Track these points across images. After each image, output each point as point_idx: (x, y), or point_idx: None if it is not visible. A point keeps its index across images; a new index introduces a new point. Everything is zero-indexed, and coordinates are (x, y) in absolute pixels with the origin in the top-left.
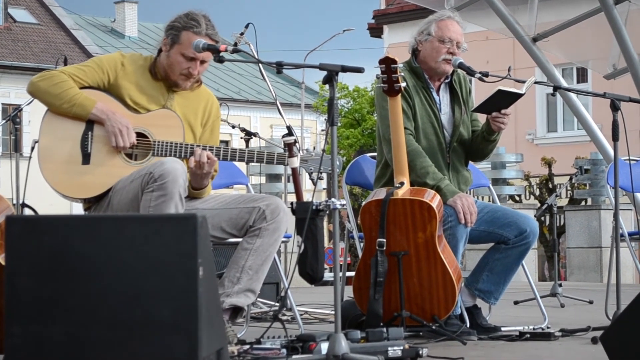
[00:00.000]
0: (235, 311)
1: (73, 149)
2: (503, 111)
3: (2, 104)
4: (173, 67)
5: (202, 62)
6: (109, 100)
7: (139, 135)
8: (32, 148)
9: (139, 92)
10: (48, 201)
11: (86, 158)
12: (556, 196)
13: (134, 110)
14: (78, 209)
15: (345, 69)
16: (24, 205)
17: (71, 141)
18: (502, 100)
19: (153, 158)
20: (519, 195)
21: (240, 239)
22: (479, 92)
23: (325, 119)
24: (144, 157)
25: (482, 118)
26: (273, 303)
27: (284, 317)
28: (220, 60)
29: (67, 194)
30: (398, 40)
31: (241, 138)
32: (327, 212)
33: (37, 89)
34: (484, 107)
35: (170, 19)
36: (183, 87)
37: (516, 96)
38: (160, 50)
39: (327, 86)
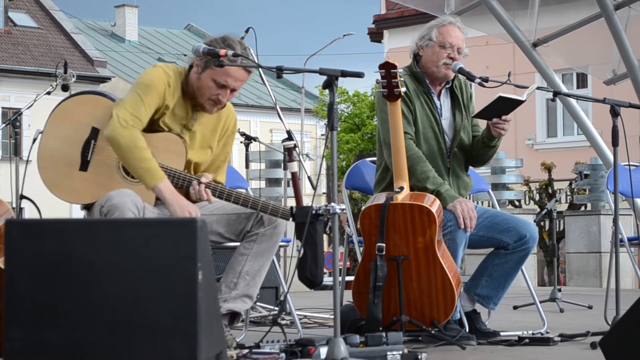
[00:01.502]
0: (233, 316)
1: (73, 153)
2: (503, 117)
3: (2, 107)
4: (202, 90)
5: (232, 90)
6: None
7: None
8: (35, 139)
9: (170, 112)
10: (47, 205)
11: (84, 165)
12: (556, 201)
13: (148, 128)
14: (77, 213)
15: (345, 74)
16: (22, 197)
17: (73, 145)
18: (502, 107)
19: None
20: (519, 200)
21: (237, 244)
22: (479, 98)
23: (325, 124)
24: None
25: (482, 123)
26: (272, 307)
27: (283, 322)
28: (220, 65)
29: (58, 195)
30: (398, 45)
31: (241, 142)
32: (327, 216)
33: (118, 145)
34: (484, 114)
35: (206, 41)
36: (209, 112)
37: (517, 103)
38: (191, 67)
39: (327, 91)
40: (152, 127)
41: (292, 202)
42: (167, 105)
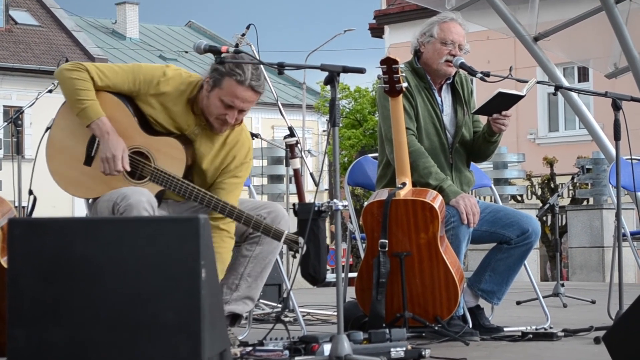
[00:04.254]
0: (234, 318)
1: (79, 148)
2: (504, 112)
3: (4, 106)
4: (210, 109)
5: (241, 110)
6: (125, 114)
7: (143, 155)
8: (48, 128)
9: (165, 116)
10: (50, 203)
11: (88, 160)
12: (558, 196)
13: (145, 129)
14: (80, 212)
15: (346, 70)
16: (30, 192)
17: (80, 140)
18: (502, 102)
19: (150, 183)
20: (521, 195)
21: (239, 245)
22: (480, 92)
23: (326, 120)
24: (143, 178)
25: (482, 119)
26: (275, 304)
27: (287, 319)
28: (221, 61)
29: (62, 186)
30: (399, 41)
31: None
32: (329, 213)
33: (61, 77)
34: (484, 109)
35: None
36: (218, 131)
37: (517, 98)
38: (202, 84)
39: (328, 87)
40: (149, 125)
41: (294, 199)
42: (148, 100)
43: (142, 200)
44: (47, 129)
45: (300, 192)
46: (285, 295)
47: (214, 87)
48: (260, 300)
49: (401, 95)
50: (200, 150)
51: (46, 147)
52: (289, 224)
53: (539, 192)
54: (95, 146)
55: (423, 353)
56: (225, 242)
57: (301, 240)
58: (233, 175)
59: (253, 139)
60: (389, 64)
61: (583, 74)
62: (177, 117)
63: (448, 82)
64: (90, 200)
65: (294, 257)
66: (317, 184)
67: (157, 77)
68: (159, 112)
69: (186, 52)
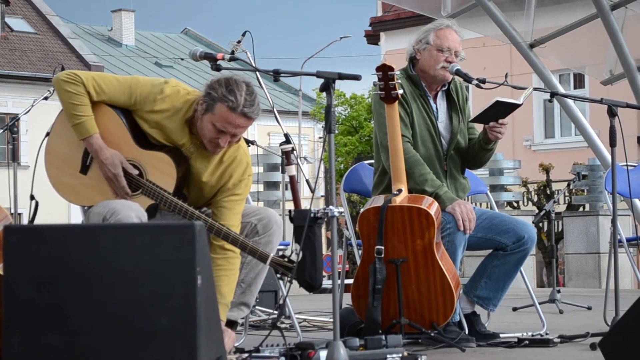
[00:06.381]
0: (230, 324)
1: (75, 155)
2: (500, 121)
3: (0, 113)
4: (203, 132)
5: (234, 135)
6: (119, 126)
7: (135, 168)
8: (47, 133)
9: (159, 132)
10: (46, 210)
11: (84, 169)
12: (554, 202)
13: (139, 142)
14: (76, 218)
15: (342, 77)
16: (32, 197)
17: (76, 148)
18: (499, 111)
19: (143, 196)
20: (517, 202)
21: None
22: (476, 99)
23: (322, 127)
24: (135, 190)
25: (478, 127)
26: (271, 311)
27: (283, 325)
28: (217, 68)
29: (59, 191)
30: (395, 47)
31: None
32: (325, 219)
33: (57, 87)
34: (481, 118)
35: (214, 79)
36: (211, 152)
37: (514, 106)
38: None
39: (324, 93)
40: (144, 138)
41: (290, 206)
42: (143, 116)
43: (131, 215)
44: (47, 134)
45: (296, 199)
46: (281, 301)
47: (207, 112)
48: (257, 307)
49: (397, 102)
50: (195, 168)
51: (45, 152)
52: (281, 230)
53: (535, 199)
54: (90, 156)
55: (419, 359)
56: (232, 264)
57: (297, 246)
58: (232, 193)
59: (249, 146)
60: (384, 70)
61: (579, 81)
62: (172, 134)
63: (443, 89)
64: (86, 207)
65: (280, 279)
66: (313, 191)
67: (153, 94)
68: (153, 128)
69: (182, 59)
